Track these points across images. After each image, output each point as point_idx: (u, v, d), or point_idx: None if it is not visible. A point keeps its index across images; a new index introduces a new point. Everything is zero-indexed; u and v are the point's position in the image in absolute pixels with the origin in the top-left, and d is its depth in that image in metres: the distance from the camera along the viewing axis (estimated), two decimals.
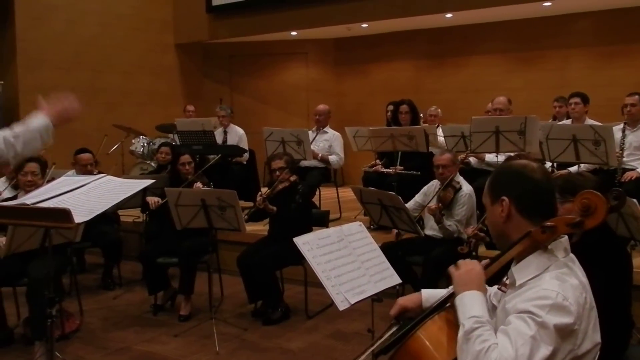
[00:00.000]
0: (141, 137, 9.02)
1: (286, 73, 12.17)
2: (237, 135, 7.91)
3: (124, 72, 10.63)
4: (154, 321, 5.31)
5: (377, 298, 3.41)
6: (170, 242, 5.39)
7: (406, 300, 2.26)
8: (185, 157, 5.69)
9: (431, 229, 5.18)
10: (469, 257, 4.62)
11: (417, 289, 3.73)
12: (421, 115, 7.50)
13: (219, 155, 6.60)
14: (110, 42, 10.46)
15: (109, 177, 3.29)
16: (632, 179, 5.51)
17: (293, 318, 5.27)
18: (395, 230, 5.06)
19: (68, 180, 3.27)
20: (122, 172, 8.95)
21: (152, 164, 8.33)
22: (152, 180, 3.45)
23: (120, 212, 6.76)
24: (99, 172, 4.66)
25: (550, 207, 1.98)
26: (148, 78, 10.98)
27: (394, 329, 2.21)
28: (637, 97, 5.80)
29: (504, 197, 1.97)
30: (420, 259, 5.04)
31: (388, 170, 6.60)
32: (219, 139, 7.77)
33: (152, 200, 5.57)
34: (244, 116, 10.64)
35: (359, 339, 4.61)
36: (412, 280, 5.00)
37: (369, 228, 6.03)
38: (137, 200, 5.77)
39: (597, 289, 2.52)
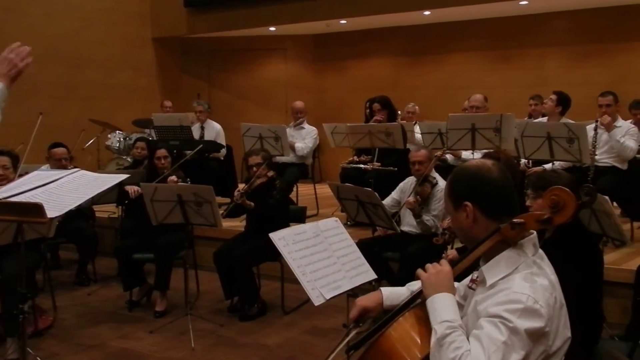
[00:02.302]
0: (117, 132, 8.94)
1: (265, 69, 12.14)
2: (214, 130, 7.87)
3: (102, 67, 10.53)
4: (129, 317, 5.27)
5: (353, 293, 3.41)
6: (146, 238, 5.35)
7: (366, 301, 2.23)
8: (161, 151, 5.65)
9: (407, 225, 5.21)
10: (443, 249, 4.66)
11: (393, 285, 3.75)
12: (399, 112, 7.53)
13: (195, 150, 6.55)
14: (89, 36, 10.34)
15: (83, 171, 3.26)
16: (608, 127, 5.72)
17: (270, 314, 5.27)
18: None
19: (41, 174, 3.24)
20: (98, 167, 8.86)
21: (128, 159, 8.26)
22: (127, 175, 3.42)
23: (95, 207, 6.68)
24: (74, 167, 4.62)
25: (514, 204, 1.98)
26: (126, 73, 10.89)
27: (354, 332, 2.20)
28: (611, 97, 5.89)
29: (467, 203, 1.96)
30: (397, 255, 5.06)
31: (366, 166, 6.62)
32: (196, 134, 7.73)
33: (132, 189, 5.49)
34: (223, 112, 10.61)
35: (336, 334, 4.62)
36: (388, 277, 5.02)
37: (345, 224, 6.10)
38: (112, 195, 5.71)
39: (569, 285, 2.56)
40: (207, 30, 10.97)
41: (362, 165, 6.68)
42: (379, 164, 6.47)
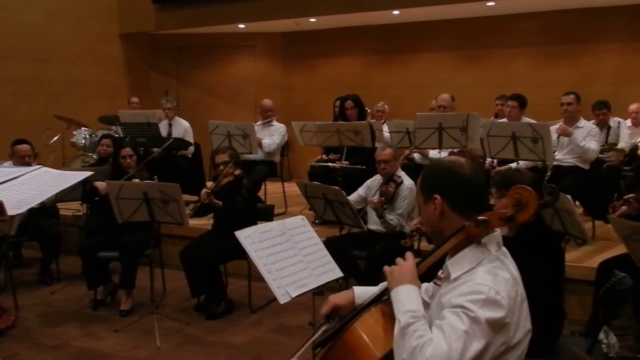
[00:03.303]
0: (83, 128, 8.80)
1: (234, 66, 12.08)
2: (182, 128, 7.80)
3: (68, 62, 10.35)
4: (93, 316, 5.19)
5: (319, 292, 3.42)
6: (112, 236, 5.28)
7: (338, 298, 2.25)
8: (126, 150, 5.56)
9: (374, 223, 5.23)
10: (411, 250, 4.69)
11: (361, 283, 3.77)
12: (368, 110, 7.56)
13: (162, 148, 6.48)
14: (55, 30, 10.16)
15: (45, 168, 3.20)
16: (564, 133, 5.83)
17: (237, 312, 5.25)
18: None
19: (2, 171, 3.17)
20: (63, 164, 8.71)
21: (94, 157, 8.14)
22: (91, 173, 3.37)
23: (59, 205, 6.58)
24: (38, 164, 4.53)
25: (481, 201, 2.02)
26: (93, 68, 10.72)
27: (324, 327, 2.21)
28: (572, 96, 5.99)
29: (436, 195, 2.00)
30: (364, 253, 5.08)
31: (334, 164, 6.64)
32: (163, 131, 7.65)
33: (102, 185, 5.36)
34: (191, 109, 10.52)
35: (303, 332, 4.61)
36: (355, 275, 5.04)
37: (313, 222, 6.11)
38: (77, 193, 5.63)
39: (531, 282, 2.61)
40: (175, 26, 10.86)
41: (330, 164, 6.69)
42: (347, 162, 6.49)
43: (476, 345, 1.77)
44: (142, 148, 7.05)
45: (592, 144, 5.87)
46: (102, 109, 9.62)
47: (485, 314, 1.79)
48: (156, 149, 6.76)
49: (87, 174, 3.28)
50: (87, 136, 8.68)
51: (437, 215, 2.00)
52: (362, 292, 2.28)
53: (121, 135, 7.61)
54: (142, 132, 7.21)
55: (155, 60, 11.84)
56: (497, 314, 1.80)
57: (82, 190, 5.58)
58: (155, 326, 4.65)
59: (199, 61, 11.91)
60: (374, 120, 7.65)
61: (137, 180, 5.31)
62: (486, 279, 1.85)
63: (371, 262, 4.98)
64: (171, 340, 4.62)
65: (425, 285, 2.27)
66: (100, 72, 10.81)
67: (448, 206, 1.99)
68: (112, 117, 8.79)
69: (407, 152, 6.20)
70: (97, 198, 5.51)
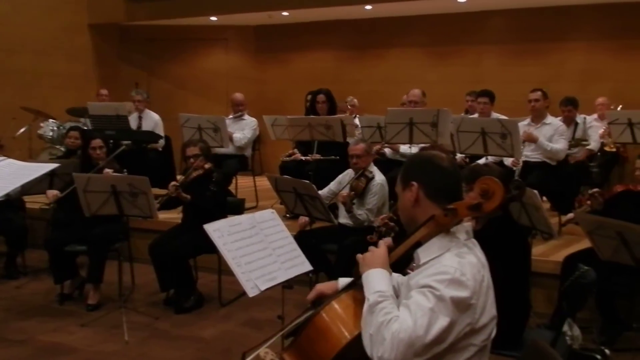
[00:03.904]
0: (50, 120, 8.66)
1: (206, 59, 11.98)
2: (152, 121, 7.72)
3: (36, 53, 10.13)
4: (60, 311, 5.12)
5: (288, 285, 3.43)
6: (79, 230, 5.20)
7: (323, 287, 2.35)
8: (96, 142, 5.49)
9: (344, 217, 5.25)
10: (377, 245, 4.72)
11: (331, 277, 3.78)
12: (338, 105, 7.56)
13: (131, 141, 6.41)
14: (21, 20, 9.94)
15: (9, 160, 3.16)
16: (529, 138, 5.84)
17: (206, 306, 5.22)
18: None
19: None
20: (30, 156, 8.56)
21: (62, 149, 8.01)
22: (56, 165, 3.33)
23: (26, 198, 6.46)
24: (3, 156, 4.45)
25: (455, 192, 2.09)
26: (61, 60, 10.53)
27: (310, 312, 2.24)
28: (539, 93, 6.08)
29: (413, 182, 2.08)
30: (335, 247, 5.09)
31: (307, 157, 6.63)
32: (133, 124, 7.56)
33: (52, 193, 5.27)
34: (162, 102, 10.40)
35: (272, 326, 4.57)
36: (326, 268, 5.05)
37: (284, 217, 6.10)
38: (44, 185, 5.53)
39: (498, 274, 2.65)
40: (146, 17, 10.72)
41: (302, 158, 6.69)
42: (319, 155, 6.49)
43: (441, 322, 1.84)
44: (111, 141, 6.97)
45: (560, 144, 5.94)
46: (71, 101, 9.46)
47: (451, 292, 1.86)
48: (126, 142, 6.69)
49: (52, 165, 3.24)
50: (55, 128, 8.55)
51: (412, 201, 2.08)
52: (346, 283, 2.33)
53: (90, 127, 7.49)
54: (111, 125, 7.12)
55: (125, 52, 11.68)
56: (461, 293, 1.87)
57: (50, 183, 5.48)
58: (123, 320, 4.61)
59: (170, 54, 11.78)
60: (345, 115, 7.66)
61: (109, 170, 5.25)
62: (453, 261, 1.94)
63: (341, 256, 4.99)
64: (139, 334, 4.58)
65: (397, 275, 2.31)
66: (69, 63, 10.62)
67: (423, 193, 2.07)
68: (81, 109, 8.66)
69: (378, 147, 6.23)
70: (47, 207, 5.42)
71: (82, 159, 5.77)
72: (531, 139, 5.86)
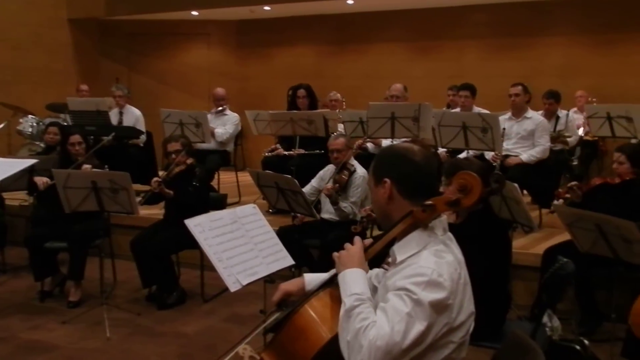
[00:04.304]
0: (30, 116, 8.56)
1: (188, 54, 11.91)
2: (133, 116, 7.66)
3: (15, 48, 10.01)
4: (40, 308, 5.08)
5: (270, 279, 3.43)
6: (60, 226, 5.16)
7: (289, 285, 2.29)
8: (75, 137, 5.43)
9: (327, 212, 5.26)
10: (361, 236, 4.74)
11: (313, 272, 3.78)
12: (319, 100, 7.55)
13: (111, 137, 6.36)
14: (1, 15, 9.83)
15: None
16: (514, 164, 5.81)
17: (189, 302, 5.21)
18: (292, 215, 5.11)
19: None
20: (9, 152, 8.47)
21: (42, 145, 7.92)
22: (35, 161, 3.30)
23: (5, 195, 6.39)
24: None
25: (430, 188, 2.04)
26: (40, 55, 10.40)
27: (276, 315, 2.23)
28: (520, 87, 6.11)
29: (386, 179, 2.03)
30: (317, 242, 5.10)
31: (290, 152, 6.62)
32: (114, 120, 7.50)
33: (41, 180, 5.24)
34: (144, 97, 10.33)
35: (255, 321, 4.54)
36: (309, 264, 5.06)
37: (267, 212, 6.10)
38: (23, 182, 5.46)
39: (478, 267, 2.67)
40: (126, 12, 10.62)
41: (285, 153, 6.68)
42: (302, 150, 6.48)
43: (418, 327, 1.81)
44: (92, 137, 6.91)
45: (543, 142, 5.93)
46: (50, 96, 9.36)
47: (428, 296, 1.83)
48: (106, 138, 6.63)
49: (31, 162, 3.21)
50: (34, 124, 8.46)
51: (386, 198, 2.03)
52: (312, 279, 2.31)
53: (69, 123, 7.42)
54: (91, 120, 7.06)
55: (105, 47, 11.57)
56: (439, 295, 1.84)
57: (29, 179, 5.42)
58: (105, 317, 4.58)
59: (151, 49, 11.69)
60: (328, 110, 7.66)
61: (88, 166, 5.20)
62: (429, 261, 1.89)
63: (324, 251, 5.00)
64: (121, 330, 4.56)
65: (375, 270, 2.31)
66: (48, 58, 10.50)
67: (397, 191, 2.02)
68: (61, 104, 8.57)
69: (360, 141, 6.24)
70: (35, 194, 5.37)
71: (61, 155, 5.71)
72: (515, 162, 5.86)
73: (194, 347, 4.32)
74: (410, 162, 2.02)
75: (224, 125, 7.31)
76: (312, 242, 5.17)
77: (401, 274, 1.91)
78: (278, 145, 6.93)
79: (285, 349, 2.03)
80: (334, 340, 1.92)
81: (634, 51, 8.92)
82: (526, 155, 5.91)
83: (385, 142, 6.30)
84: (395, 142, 5.95)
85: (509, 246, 3.66)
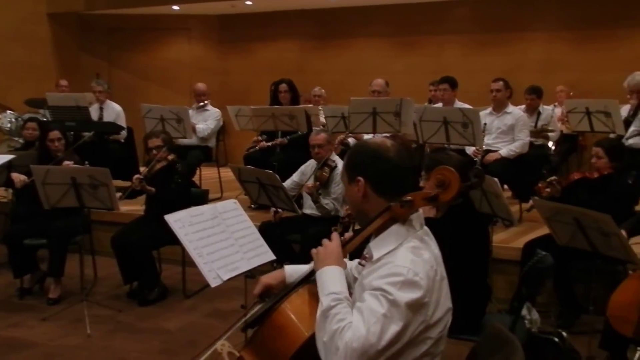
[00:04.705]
0: (8, 112, 8.46)
1: (168, 49, 11.83)
2: (114, 112, 7.60)
3: None
4: (20, 305, 5.03)
5: (251, 275, 3.44)
6: (39, 223, 5.11)
7: (269, 278, 2.27)
8: (54, 133, 5.37)
9: (309, 207, 5.26)
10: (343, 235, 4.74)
11: None
12: (301, 95, 7.54)
13: (92, 132, 6.30)
14: None
15: None
16: (494, 160, 5.85)
17: (170, 298, 5.19)
18: (272, 210, 5.11)
19: None
20: None
21: (20, 141, 7.83)
22: (12, 156, 3.26)
23: None
24: None
25: (405, 184, 2.01)
26: (20, 50, 10.27)
27: (258, 307, 2.23)
28: (501, 82, 6.15)
29: (360, 178, 2.00)
30: (299, 237, 5.11)
31: (273, 142, 6.59)
32: (94, 115, 7.44)
33: (18, 178, 5.19)
34: (124, 93, 10.25)
35: (237, 316, 4.54)
36: (290, 259, 5.05)
37: (249, 208, 6.09)
38: (1, 178, 5.40)
39: (458, 261, 2.69)
40: (106, 6, 10.54)
41: (269, 144, 6.65)
42: (284, 139, 6.46)
43: (394, 328, 1.81)
44: (72, 132, 6.85)
45: (521, 140, 5.99)
46: (29, 91, 9.23)
47: (404, 296, 1.82)
48: (87, 134, 6.58)
49: (8, 157, 3.16)
50: (13, 120, 8.35)
51: (360, 197, 2.01)
52: (293, 271, 2.30)
53: (49, 119, 7.34)
54: (71, 116, 6.99)
55: (85, 42, 11.46)
56: (415, 294, 1.83)
57: (7, 175, 5.36)
58: (85, 314, 4.55)
59: (131, 43, 11.59)
60: (311, 105, 7.65)
61: (69, 163, 5.15)
62: (406, 260, 1.88)
63: (306, 246, 5.00)
64: (102, 327, 4.53)
65: (356, 261, 2.30)
66: (28, 53, 10.37)
67: (371, 189, 2.00)
68: (40, 100, 8.46)
69: (342, 136, 6.24)
70: (12, 191, 5.31)
71: (40, 150, 5.65)
72: (494, 158, 5.89)
73: (175, 343, 4.30)
74: (383, 159, 1.99)
75: (206, 120, 7.27)
76: (294, 237, 5.17)
77: (377, 273, 1.89)
78: (260, 137, 6.89)
79: (265, 347, 2.02)
80: (313, 338, 1.91)
81: (613, 47, 9.01)
82: (505, 150, 5.96)
83: (367, 138, 6.31)
84: (377, 137, 5.95)
85: (488, 240, 3.69)
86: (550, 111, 7.52)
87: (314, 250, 2.08)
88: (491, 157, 5.89)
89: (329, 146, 5.17)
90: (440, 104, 6.85)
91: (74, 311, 4.73)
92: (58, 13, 10.76)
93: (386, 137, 5.38)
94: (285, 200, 4.90)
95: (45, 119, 7.50)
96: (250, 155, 6.80)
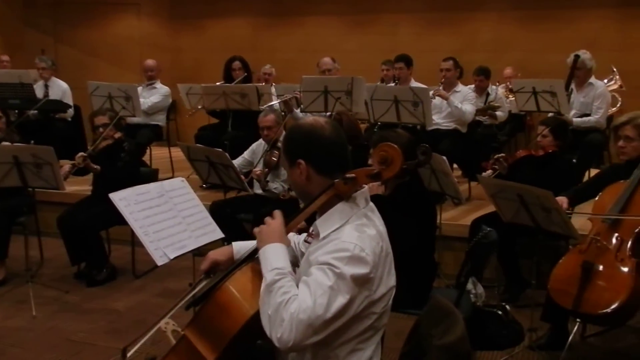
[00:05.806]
0: None
1: (117, 24, 11.51)
2: (60, 89, 7.39)
3: None
4: None
5: (199, 253, 3.40)
6: None
7: (217, 254, 2.28)
8: None
9: (260, 187, 5.24)
10: (290, 204, 4.75)
11: None
12: (254, 72, 7.48)
13: (35, 111, 6.12)
14: None
15: None
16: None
17: (120, 278, 5.12)
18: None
19: None
20: None
21: None
22: None
23: None
24: None
25: (345, 161, 2.04)
26: None
27: (205, 282, 2.22)
28: (451, 62, 6.23)
29: (300, 160, 2.01)
30: (250, 217, 5.09)
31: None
32: (39, 93, 7.19)
33: None
34: (72, 69, 9.97)
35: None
36: (241, 238, 5.00)
37: (200, 187, 6.04)
38: None
39: (405, 237, 2.72)
40: None
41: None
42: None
43: (340, 300, 1.83)
44: (16, 110, 6.65)
45: (468, 107, 6.13)
46: None
47: (351, 270, 1.84)
48: (31, 112, 6.39)
49: None
50: None
51: (304, 179, 2.02)
52: (241, 247, 2.31)
53: None
54: (14, 93, 6.77)
55: (30, 17, 11.08)
56: (361, 270, 1.86)
57: None
58: (30, 295, 4.45)
59: (79, 18, 11.24)
60: (262, 84, 7.60)
61: (6, 143, 5.00)
62: (352, 236, 1.90)
63: (257, 225, 4.97)
64: (48, 308, 4.45)
65: (298, 237, 2.32)
66: None
67: (313, 170, 2.01)
68: None
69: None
70: None
71: None
72: (442, 95, 5.99)
73: (123, 323, 4.25)
74: (320, 138, 2.00)
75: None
76: (246, 217, 5.14)
77: (324, 249, 1.92)
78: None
79: (209, 325, 2.01)
80: (257, 315, 1.91)
81: (559, 27, 9.17)
82: (455, 100, 6.07)
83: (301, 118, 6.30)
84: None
85: (434, 217, 3.74)
86: (499, 92, 7.65)
87: (256, 229, 2.08)
88: (440, 92, 6.01)
89: (278, 127, 5.13)
90: (392, 84, 6.89)
91: (19, 293, 4.64)
92: None
93: (316, 116, 5.40)
94: (236, 180, 4.87)
95: None
96: (202, 135, 6.72)
